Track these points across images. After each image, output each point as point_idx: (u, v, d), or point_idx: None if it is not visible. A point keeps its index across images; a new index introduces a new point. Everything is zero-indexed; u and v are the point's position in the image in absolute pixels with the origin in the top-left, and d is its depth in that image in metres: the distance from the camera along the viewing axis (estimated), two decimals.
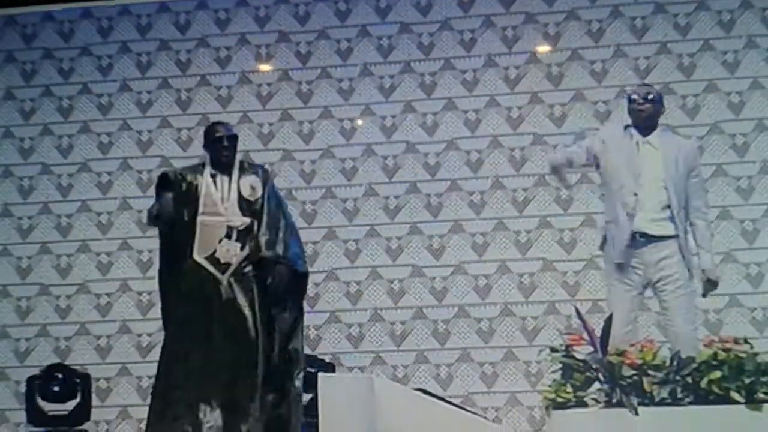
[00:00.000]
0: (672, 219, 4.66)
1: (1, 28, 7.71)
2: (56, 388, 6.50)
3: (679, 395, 3.85)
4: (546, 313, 6.88)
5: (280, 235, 4.76)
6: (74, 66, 7.61)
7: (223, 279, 4.64)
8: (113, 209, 7.40)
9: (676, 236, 4.65)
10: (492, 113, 7.18)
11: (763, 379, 3.83)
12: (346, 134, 7.31)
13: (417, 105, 7.26)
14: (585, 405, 3.90)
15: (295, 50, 7.45)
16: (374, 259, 7.11)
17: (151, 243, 7.29)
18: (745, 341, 3.97)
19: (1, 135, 7.61)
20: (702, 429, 3.76)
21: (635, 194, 4.63)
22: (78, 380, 6.68)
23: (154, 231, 7.22)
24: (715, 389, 3.81)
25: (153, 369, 7.01)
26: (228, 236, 4.67)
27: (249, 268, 4.67)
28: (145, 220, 4.95)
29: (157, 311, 7.15)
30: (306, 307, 4.91)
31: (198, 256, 4.66)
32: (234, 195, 4.73)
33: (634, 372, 3.87)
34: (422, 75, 7.29)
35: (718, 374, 3.82)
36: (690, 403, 3.83)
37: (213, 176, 4.77)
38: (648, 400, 3.82)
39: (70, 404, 6.64)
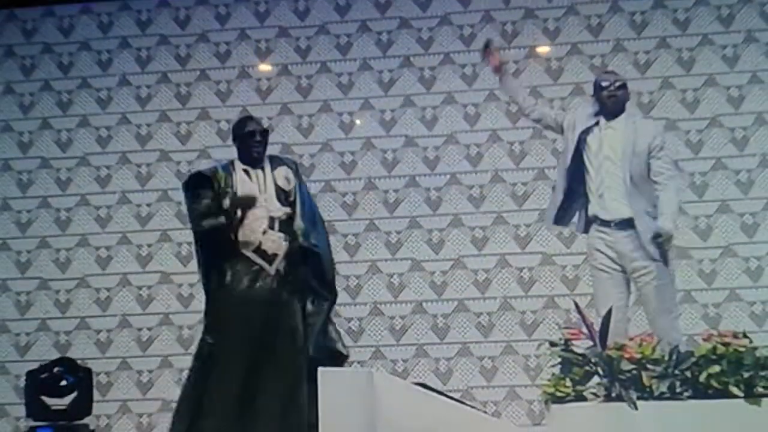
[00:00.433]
0: (624, 200, 4.67)
1: (1, 23, 7.71)
2: (63, 383, 6.50)
3: (678, 389, 3.84)
4: (545, 307, 6.89)
5: (318, 226, 4.79)
6: (74, 60, 7.61)
7: (271, 270, 4.64)
8: (112, 203, 7.41)
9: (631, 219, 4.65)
10: (491, 107, 7.19)
11: (762, 373, 3.83)
12: (345, 128, 7.32)
13: (416, 99, 7.26)
14: (584, 399, 3.90)
15: (294, 45, 7.45)
16: (374, 253, 7.12)
17: (150, 237, 7.33)
18: (744, 335, 3.97)
19: (0, 129, 7.61)
20: (701, 423, 3.77)
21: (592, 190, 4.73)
22: (79, 374, 6.68)
23: (153, 225, 7.32)
24: (714, 383, 3.81)
25: (153, 364, 7.12)
26: (271, 227, 4.67)
27: (294, 259, 4.67)
28: (191, 225, 4.87)
29: (156, 305, 7.26)
30: None
31: (245, 250, 4.66)
32: (271, 186, 4.74)
33: (633, 366, 3.87)
34: (422, 69, 7.29)
35: (717, 368, 3.82)
36: (689, 398, 3.83)
37: (245, 171, 4.77)
38: (647, 394, 3.82)
39: (71, 398, 6.65)
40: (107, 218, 7.40)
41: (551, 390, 3.93)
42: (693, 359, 3.89)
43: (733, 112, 7.00)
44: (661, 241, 4.60)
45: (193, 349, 7.07)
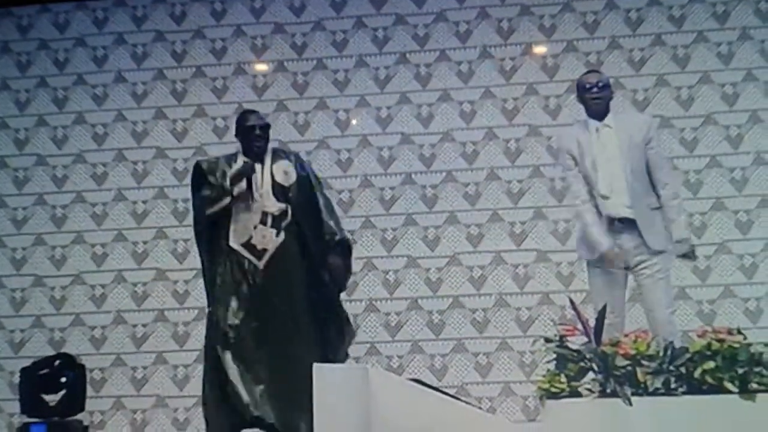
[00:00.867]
0: (632, 202, 4.69)
1: None
2: (63, 379, 6.49)
3: (673, 385, 3.85)
4: (540, 303, 6.91)
5: (335, 215, 4.85)
6: (69, 57, 7.60)
7: (260, 264, 4.64)
8: (108, 200, 7.40)
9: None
10: (487, 105, 7.19)
11: (756, 369, 3.83)
12: (341, 125, 7.32)
13: (412, 96, 7.27)
14: (579, 395, 3.90)
15: (290, 41, 7.45)
16: (369, 250, 7.12)
17: (145, 234, 7.33)
18: (739, 332, 3.97)
19: None
20: (695, 419, 3.77)
21: (602, 194, 4.69)
22: (75, 371, 6.68)
23: (149, 222, 7.32)
24: (709, 379, 3.81)
25: (147, 360, 7.12)
26: (263, 222, 4.67)
27: (286, 253, 4.67)
28: (195, 217, 4.89)
29: (151, 302, 7.25)
30: None
31: (234, 243, 4.66)
32: (268, 181, 4.73)
33: (627, 362, 3.87)
34: (417, 66, 7.30)
35: (711, 364, 3.82)
36: (683, 393, 3.83)
37: (246, 163, 4.76)
38: (641, 390, 3.82)
39: (64, 395, 6.64)
40: (103, 215, 7.40)
41: (546, 386, 3.93)
42: (688, 355, 3.90)
43: (727, 109, 7.02)
44: (687, 252, 4.74)
45: (188, 345, 7.14)
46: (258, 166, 4.76)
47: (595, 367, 3.92)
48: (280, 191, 4.74)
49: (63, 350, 7.08)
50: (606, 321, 4.08)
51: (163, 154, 7.37)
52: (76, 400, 6.62)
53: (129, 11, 7.60)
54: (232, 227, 4.67)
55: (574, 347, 4.01)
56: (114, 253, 7.34)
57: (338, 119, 7.33)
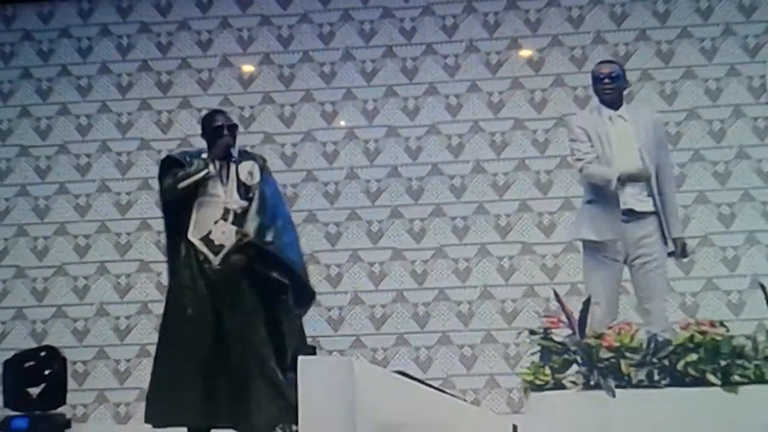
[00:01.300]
0: (650, 193, 4.72)
1: None
2: (48, 371, 6.47)
3: (656, 377, 3.87)
4: (525, 296, 6.93)
5: (277, 222, 4.77)
6: (53, 48, 7.55)
7: (215, 260, 4.64)
8: (92, 191, 7.37)
9: (655, 212, 4.72)
10: (473, 98, 7.20)
11: (739, 361, 3.87)
12: (327, 118, 7.31)
13: (398, 89, 7.27)
14: (563, 387, 3.92)
15: (276, 34, 7.43)
16: (355, 242, 7.12)
17: (129, 226, 7.30)
18: (721, 324, 4.00)
19: None
20: (678, 411, 3.79)
21: (619, 178, 4.67)
22: (56, 363, 6.66)
23: (133, 214, 7.29)
24: (692, 372, 3.84)
25: (131, 352, 7.09)
26: (224, 218, 4.67)
27: (241, 253, 4.67)
28: (165, 196, 4.85)
29: (135, 294, 7.24)
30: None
31: (193, 237, 4.66)
32: (233, 179, 4.74)
33: (611, 354, 3.89)
34: (404, 59, 7.30)
35: (694, 357, 3.85)
36: (667, 386, 3.85)
37: (213, 161, 4.75)
38: (625, 382, 3.85)
39: (46, 387, 6.62)
40: (86, 206, 7.36)
41: (530, 378, 3.95)
42: (671, 348, 3.93)
43: (711, 104, 7.06)
44: (683, 251, 4.84)
45: None
46: (224, 164, 4.76)
47: (579, 360, 3.94)
48: (243, 190, 4.74)
49: (45, 342, 7.06)
50: (602, 310, 4.11)
51: (148, 145, 7.34)
52: (57, 393, 6.60)
53: (114, 2, 7.55)
54: (193, 219, 4.67)
55: (559, 339, 4.03)
56: (97, 244, 7.30)
57: (324, 112, 7.32)
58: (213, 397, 4.56)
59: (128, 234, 7.27)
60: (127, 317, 7.13)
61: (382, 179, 7.19)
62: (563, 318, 4.09)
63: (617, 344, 3.92)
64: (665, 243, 4.79)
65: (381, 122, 7.25)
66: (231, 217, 4.70)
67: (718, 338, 3.91)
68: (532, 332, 4.09)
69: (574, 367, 3.97)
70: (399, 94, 7.27)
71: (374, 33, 7.36)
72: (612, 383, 3.84)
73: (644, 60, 7.12)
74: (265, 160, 4.99)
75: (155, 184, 7.16)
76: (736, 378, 3.85)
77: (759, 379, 3.83)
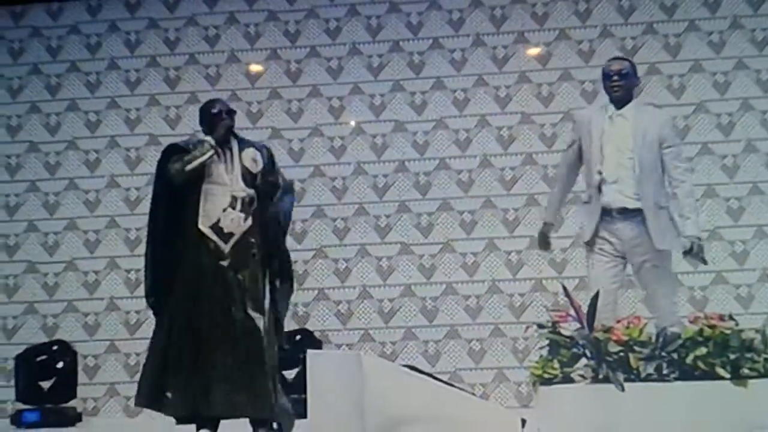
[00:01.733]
0: (638, 192, 4.71)
1: None
2: (60, 365, 6.50)
3: (665, 371, 3.87)
4: (533, 290, 6.94)
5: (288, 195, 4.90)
6: (62, 44, 7.58)
7: (226, 248, 4.65)
8: (101, 187, 7.40)
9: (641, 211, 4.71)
10: (480, 92, 7.21)
11: (748, 355, 3.87)
12: (334, 113, 7.32)
13: (406, 84, 7.27)
14: (572, 381, 3.92)
15: (284, 29, 7.44)
16: (363, 236, 7.14)
17: (138, 221, 7.32)
18: (731, 318, 3.99)
19: None
20: (688, 404, 3.79)
21: (599, 172, 4.70)
22: (67, 357, 6.70)
23: (142, 209, 7.29)
24: (701, 365, 3.84)
25: (141, 346, 7.11)
26: (232, 206, 4.69)
27: (252, 240, 4.69)
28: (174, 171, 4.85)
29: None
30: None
31: (202, 225, 4.67)
32: (237, 166, 4.74)
33: (620, 348, 3.89)
34: (411, 54, 7.30)
35: (703, 350, 3.85)
36: (676, 379, 3.85)
37: (216, 145, 4.76)
38: (634, 375, 3.84)
39: (57, 381, 6.66)
40: (96, 202, 7.40)
41: (539, 372, 3.96)
42: (680, 341, 3.92)
43: (719, 98, 7.05)
44: (696, 251, 4.72)
45: None
46: (227, 151, 4.76)
47: (588, 353, 3.94)
48: (248, 177, 4.77)
49: (56, 337, 7.10)
50: (601, 305, 4.11)
51: (156, 141, 7.36)
52: (69, 386, 6.64)
53: None
54: (202, 207, 4.68)
55: (567, 333, 4.03)
56: (107, 239, 7.34)
57: (332, 107, 7.33)
58: (209, 385, 4.55)
59: (138, 229, 7.29)
60: (138, 311, 7.16)
61: (389, 174, 7.20)
62: (571, 312, 4.09)
63: (626, 338, 3.91)
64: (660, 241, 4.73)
65: (388, 117, 7.26)
66: (239, 206, 4.71)
67: (727, 332, 3.91)
68: (540, 326, 4.09)
69: (583, 361, 3.97)
70: (406, 88, 7.28)
71: (381, 28, 7.37)
72: (621, 377, 3.84)
73: (652, 54, 7.12)
74: (267, 148, 4.99)
75: None
76: (746, 371, 3.85)
77: None
